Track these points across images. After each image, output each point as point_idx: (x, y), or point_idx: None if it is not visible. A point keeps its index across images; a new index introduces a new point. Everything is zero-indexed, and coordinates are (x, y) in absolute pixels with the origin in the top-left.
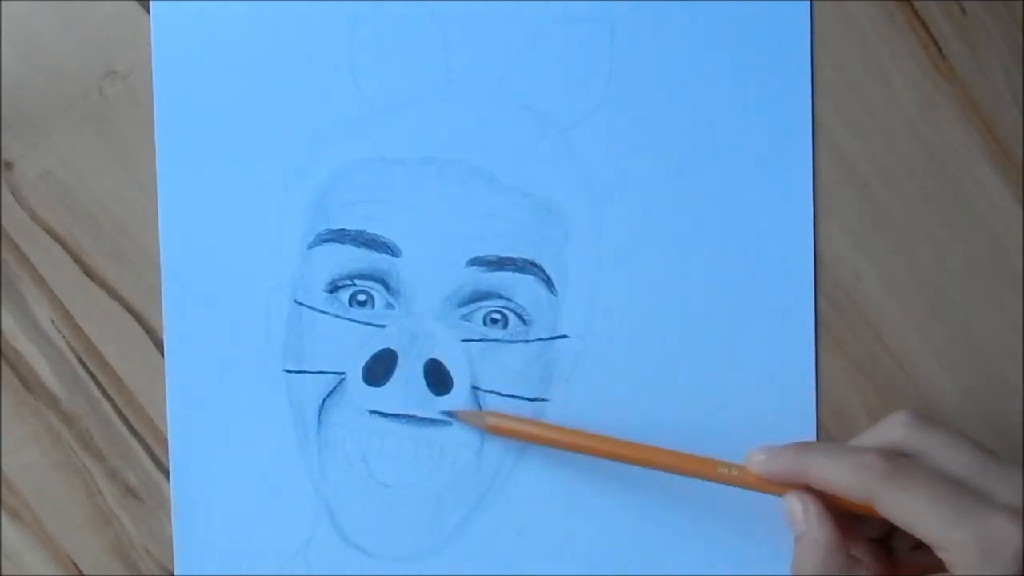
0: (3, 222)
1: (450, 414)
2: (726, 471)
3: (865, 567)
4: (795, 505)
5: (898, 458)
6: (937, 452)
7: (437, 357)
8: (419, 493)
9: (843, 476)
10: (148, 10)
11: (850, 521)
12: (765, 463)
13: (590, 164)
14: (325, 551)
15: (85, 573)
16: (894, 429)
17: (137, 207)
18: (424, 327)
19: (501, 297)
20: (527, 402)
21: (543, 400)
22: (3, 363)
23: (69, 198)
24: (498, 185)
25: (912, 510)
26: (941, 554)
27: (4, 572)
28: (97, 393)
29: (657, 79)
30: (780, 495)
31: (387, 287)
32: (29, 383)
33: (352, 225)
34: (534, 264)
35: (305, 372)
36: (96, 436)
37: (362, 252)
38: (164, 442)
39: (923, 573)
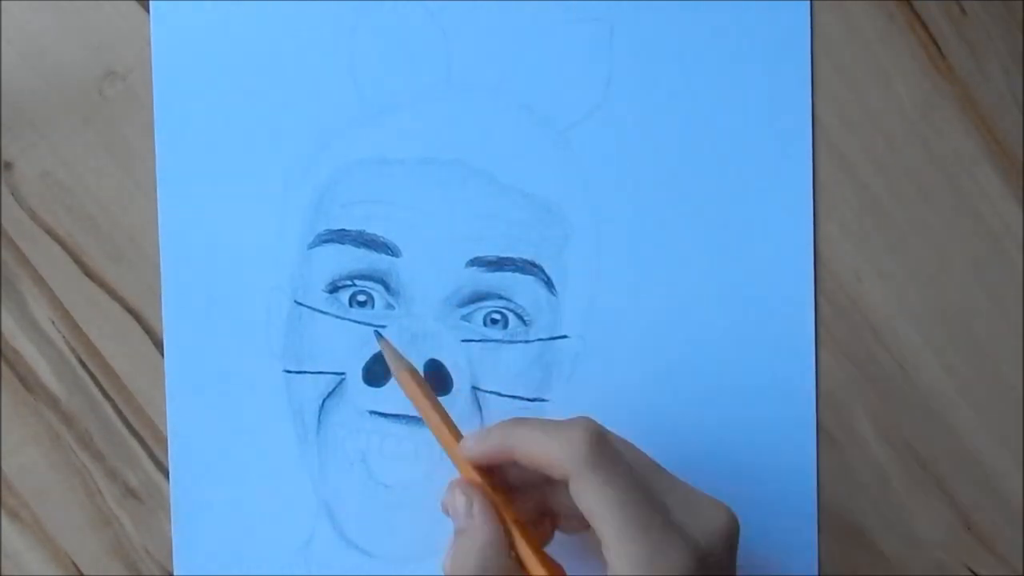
0: (3, 222)
1: (379, 337)
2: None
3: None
4: (458, 499)
5: (607, 444)
6: (631, 454)
7: (437, 357)
8: (419, 493)
9: (545, 448)
10: (148, 10)
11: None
12: (476, 444)
13: (590, 164)
14: (325, 551)
15: (85, 573)
16: (579, 429)
17: (137, 207)
18: (424, 327)
19: (501, 297)
20: (527, 402)
21: (543, 400)
22: (3, 363)
23: (69, 198)
24: (498, 185)
25: (602, 500)
26: (607, 553)
27: (4, 572)
28: (97, 393)
29: (657, 79)
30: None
31: (387, 287)
32: (29, 383)
33: (352, 225)
34: (534, 264)
35: (305, 372)
36: (96, 436)
37: (362, 252)
38: (164, 442)
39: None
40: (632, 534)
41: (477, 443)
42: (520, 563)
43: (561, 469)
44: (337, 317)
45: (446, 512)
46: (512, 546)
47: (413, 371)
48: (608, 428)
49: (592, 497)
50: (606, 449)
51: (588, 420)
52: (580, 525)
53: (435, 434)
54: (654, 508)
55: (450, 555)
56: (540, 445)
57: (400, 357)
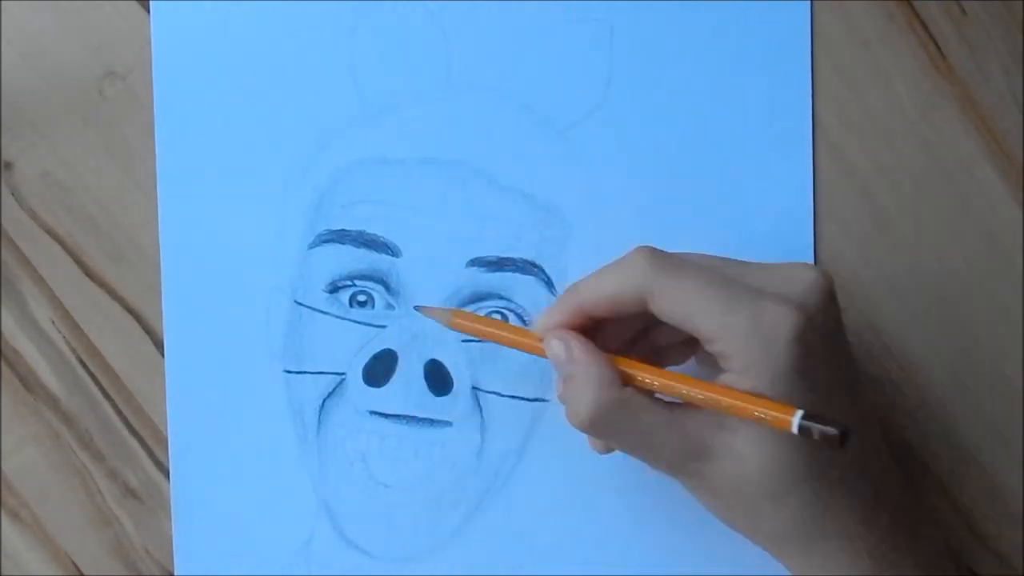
0: (3, 222)
1: (418, 308)
2: (534, 342)
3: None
4: (555, 346)
5: (665, 253)
6: (696, 256)
7: (437, 357)
8: (419, 493)
9: (614, 280)
10: (148, 11)
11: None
12: (546, 318)
13: (590, 164)
14: (325, 551)
15: (85, 573)
16: (638, 264)
17: (137, 207)
18: (424, 327)
19: (501, 298)
20: (527, 402)
21: (543, 400)
22: (3, 363)
23: (69, 198)
24: (498, 186)
25: (685, 299)
26: (714, 347)
27: (4, 572)
28: (97, 393)
29: (657, 79)
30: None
31: (387, 287)
32: (29, 383)
33: (352, 226)
34: (534, 264)
35: (305, 372)
36: (96, 436)
37: (362, 253)
38: (164, 442)
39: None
40: (725, 309)
41: (547, 317)
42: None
43: (635, 297)
44: (337, 317)
45: (556, 368)
46: (626, 380)
47: (458, 311)
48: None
49: (673, 301)
50: (667, 257)
51: (641, 246)
52: (685, 349)
53: (515, 344)
54: (739, 286)
55: (566, 404)
56: (605, 286)
57: (442, 310)
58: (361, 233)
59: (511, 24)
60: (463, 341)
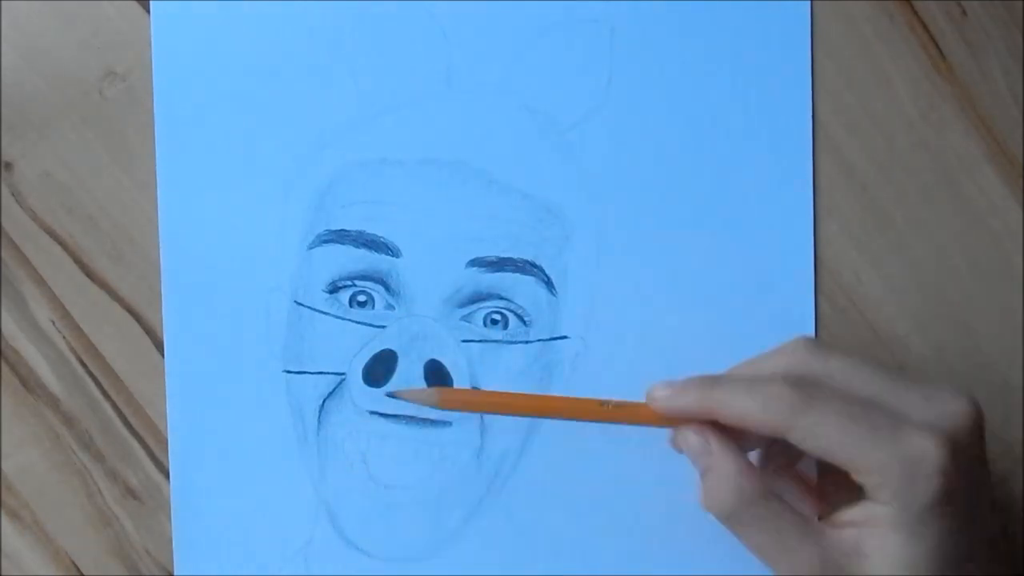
0: (3, 223)
1: (393, 395)
2: (611, 408)
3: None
4: (694, 439)
5: (807, 386)
6: (842, 375)
7: (437, 358)
8: (419, 494)
9: (754, 410)
10: (148, 11)
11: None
12: (669, 399)
13: (590, 165)
14: (325, 552)
15: (85, 574)
16: (796, 355)
17: (137, 208)
18: (424, 328)
19: (501, 298)
20: None
21: None
22: (3, 363)
23: (69, 199)
24: (498, 186)
25: (828, 437)
26: (860, 479)
27: (4, 572)
28: (97, 394)
29: (657, 80)
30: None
31: (387, 288)
32: (29, 384)
33: (352, 226)
34: (534, 265)
35: (305, 373)
36: (96, 437)
37: (362, 253)
38: (164, 443)
39: (838, 500)
40: (868, 444)
41: (670, 400)
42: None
43: (773, 428)
44: (337, 317)
45: (692, 459)
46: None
47: (444, 391)
48: (822, 344)
49: (815, 438)
50: (813, 392)
51: (787, 376)
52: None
53: (615, 419)
54: (882, 415)
55: (705, 495)
56: (743, 408)
57: (427, 392)
58: (361, 233)
59: (511, 24)
60: (463, 341)
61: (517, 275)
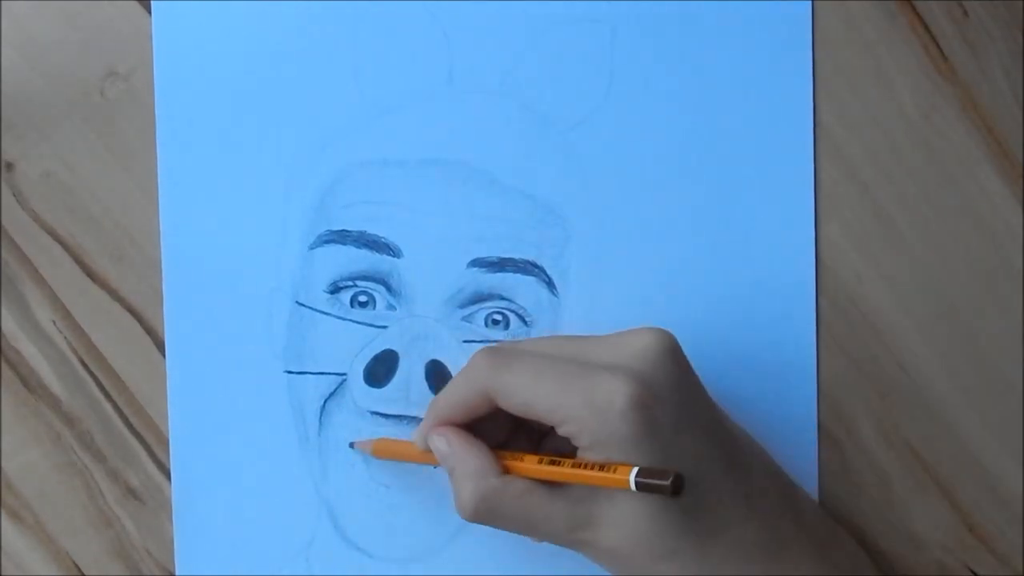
0: (4, 223)
1: (351, 445)
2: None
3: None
4: (437, 442)
5: (504, 351)
6: (542, 343)
7: (438, 358)
8: (420, 494)
9: (459, 389)
10: (149, 11)
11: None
12: (416, 434)
13: (591, 165)
14: (326, 552)
15: (86, 574)
16: (481, 365)
17: (138, 208)
18: (425, 328)
19: (502, 298)
20: None
21: None
22: (4, 364)
23: (70, 199)
24: (499, 186)
25: (524, 393)
26: (561, 431)
27: (5, 573)
28: (98, 394)
29: (658, 80)
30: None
31: (388, 288)
32: (30, 384)
33: (353, 226)
34: (535, 265)
35: (306, 373)
36: (97, 437)
37: (363, 253)
38: (165, 443)
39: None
40: (560, 392)
41: (419, 431)
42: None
43: (483, 399)
44: (338, 318)
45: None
46: (507, 467)
47: (379, 442)
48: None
49: (512, 394)
50: (503, 353)
51: (480, 349)
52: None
53: (418, 459)
54: (573, 366)
55: (455, 497)
56: (455, 396)
57: (369, 441)
58: (362, 234)
59: (513, 25)
60: (464, 341)
61: (518, 275)
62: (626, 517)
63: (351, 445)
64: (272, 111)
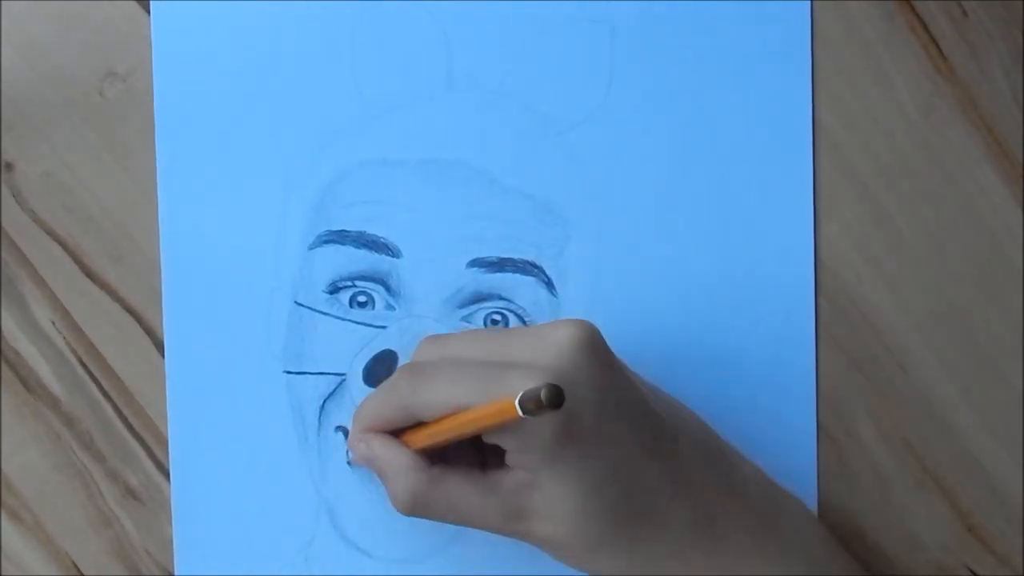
0: (3, 223)
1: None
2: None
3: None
4: (361, 448)
5: (418, 366)
6: (460, 346)
7: None
8: None
9: (379, 405)
10: (148, 11)
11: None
12: (351, 449)
13: (590, 165)
14: (326, 552)
15: (85, 574)
16: (418, 350)
17: (137, 208)
18: (425, 328)
19: (502, 298)
20: None
21: None
22: (3, 364)
23: (69, 199)
24: (498, 186)
25: (441, 403)
26: (488, 438)
27: (4, 573)
28: (98, 394)
29: (657, 80)
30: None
31: (388, 288)
32: (29, 384)
33: (353, 226)
34: (534, 265)
35: (306, 373)
36: (96, 437)
37: (362, 253)
38: (164, 443)
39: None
40: (475, 393)
41: (351, 445)
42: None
43: (404, 414)
44: (338, 318)
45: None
46: (406, 441)
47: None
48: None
49: (431, 406)
50: (421, 364)
51: (403, 365)
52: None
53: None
54: (490, 368)
55: (389, 496)
56: (373, 410)
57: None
58: (361, 234)
59: (512, 25)
60: None
61: (518, 275)
62: (555, 507)
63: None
64: (271, 111)
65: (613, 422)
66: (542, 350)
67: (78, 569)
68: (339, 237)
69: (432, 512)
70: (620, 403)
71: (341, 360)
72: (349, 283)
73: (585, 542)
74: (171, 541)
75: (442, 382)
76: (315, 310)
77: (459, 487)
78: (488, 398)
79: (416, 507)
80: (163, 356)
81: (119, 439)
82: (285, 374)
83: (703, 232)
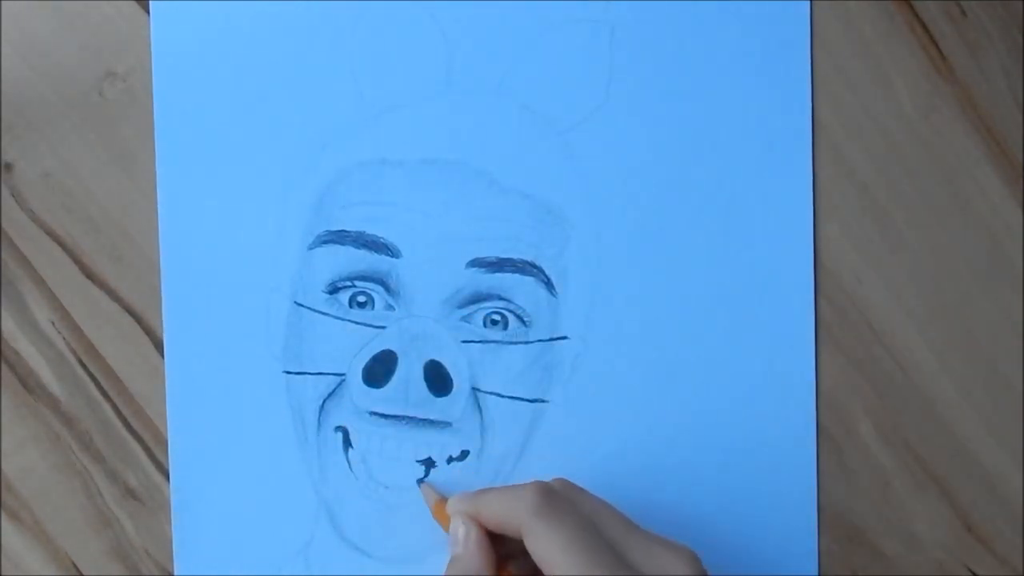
0: (3, 223)
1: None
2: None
3: None
4: (458, 527)
5: (555, 496)
6: (590, 505)
7: (437, 358)
8: (418, 495)
9: (501, 506)
10: (148, 11)
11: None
12: (458, 500)
13: (590, 165)
14: (325, 552)
15: (85, 574)
16: (555, 481)
17: (137, 208)
18: (424, 328)
19: (501, 298)
20: (527, 403)
21: (543, 401)
22: (3, 364)
23: (69, 199)
24: (498, 187)
25: (551, 547)
26: None
27: (4, 573)
28: (97, 394)
29: (657, 80)
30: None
31: (387, 288)
32: (29, 384)
33: (352, 227)
34: (534, 265)
35: (305, 373)
36: (96, 438)
37: (362, 253)
38: (164, 443)
39: None
40: (583, 568)
41: (460, 503)
42: None
43: (515, 523)
44: (337, 318)
45: (451, 545)
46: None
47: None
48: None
49: (541, 543)
50: (554, 499)
51: (539, 482)
52: None
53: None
54: (607, 551)
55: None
56: (496, 504)
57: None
58: (361, 234)
59: (512, 25)
60: (463, 342)
61: (517, 275)
62: None
63: (418, 482)
64: (271, 111)
65: None
66: (659, 566)
67: (78, 569)
68: (338, 237)
69: None
70: None
71: (340, 360)
72: (348, 283)
73: None
74: (170, 541)
75: (559, 538)
76: (314, 310)
77: None
78: None
79: None
80: (163, 356)
81: (118, 439)
82: (284, 374)
83: (703, 232)
